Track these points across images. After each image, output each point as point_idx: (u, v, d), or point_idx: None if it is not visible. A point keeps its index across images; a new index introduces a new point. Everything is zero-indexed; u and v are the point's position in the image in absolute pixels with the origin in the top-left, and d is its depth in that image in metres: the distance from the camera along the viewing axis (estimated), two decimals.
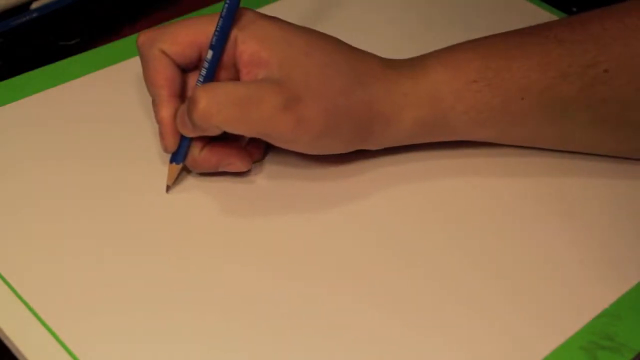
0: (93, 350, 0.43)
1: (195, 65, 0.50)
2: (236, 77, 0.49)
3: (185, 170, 0.52)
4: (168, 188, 0.51)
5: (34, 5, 0.62)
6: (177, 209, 0.50)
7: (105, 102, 0.56)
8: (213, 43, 0.48)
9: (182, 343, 0.44)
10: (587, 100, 0.50)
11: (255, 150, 0.52)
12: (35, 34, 0.62)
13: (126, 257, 0.47)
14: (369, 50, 0.52)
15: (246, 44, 0.48)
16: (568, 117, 0.51)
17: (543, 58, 0.50)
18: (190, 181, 0.52)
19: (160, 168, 0.52)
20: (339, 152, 0.51)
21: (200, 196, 0.51)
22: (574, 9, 0.68)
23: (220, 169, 0.51)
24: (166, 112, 0.49)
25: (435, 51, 0.53)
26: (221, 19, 0.48)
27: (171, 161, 0.50)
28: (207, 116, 0.46)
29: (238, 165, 0.51)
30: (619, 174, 0.55)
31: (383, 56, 0.52)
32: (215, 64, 0.49)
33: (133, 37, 0.62)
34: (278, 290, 0.47)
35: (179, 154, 0.50)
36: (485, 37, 0.53)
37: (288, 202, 0.51)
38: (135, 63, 0.59)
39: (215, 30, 0.48)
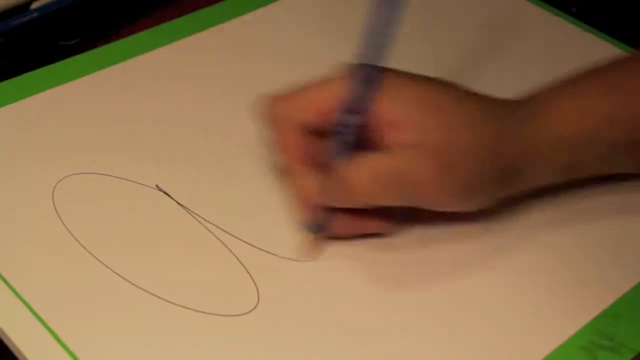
0: (93, 350, 0.43)
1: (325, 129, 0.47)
2: (370, 139, 0.46)
3: None
4: (303, 255, 0.48)
5: (34, 5, 0.62)
6: (174, 208, 0.50)
7: (106, 102, 0.56)
8: (352, 108, 0.45)
9: (183, 344, 0.44)
10: None
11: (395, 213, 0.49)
12: (35, 34, 0.62)
13: (127, 257, 0.47)
14: None
15: (387, 107, 0.45)
16: None
17: None
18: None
19: (159, 167, 0.52)
20: (486, 206, 0.49)
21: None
22: (574, 9, 0.68)
23: (360, 233, 0.49)
24: (308, 186, 0.47)
25: (556, 93, 0.50)
26: (363, 84, 0.45)
27: (310, 231, 0.48)
28: (365, 196, 0.46)
29: (378, 228, 0.49)
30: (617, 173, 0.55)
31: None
32: (356, 132, 0.46)
33: (133, 37, 0.62)
34: (281, 291, 0.47)
35: (320, 225, 0.48)
36: (603, 70, 0.51)
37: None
38: (135, 63, 0.59)
39: (354, 94, 0.45)
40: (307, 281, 0.47)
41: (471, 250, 0.50)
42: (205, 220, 0.50)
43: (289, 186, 0.49)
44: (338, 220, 0.48)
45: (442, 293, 0.48)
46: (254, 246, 0.49)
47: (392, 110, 0.45)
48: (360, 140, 0.46)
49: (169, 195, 0.51)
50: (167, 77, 0.59)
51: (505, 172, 0.48)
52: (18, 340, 0.43)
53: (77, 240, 0.48)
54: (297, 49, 0.62)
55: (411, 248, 0.50)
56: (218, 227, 0.49)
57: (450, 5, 0.68)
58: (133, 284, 0.46)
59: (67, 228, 0.48)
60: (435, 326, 0.46)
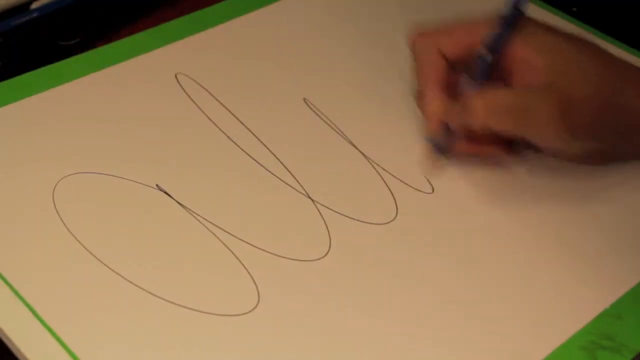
0: (93, 350, 0.43)
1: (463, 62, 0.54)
2: (502, 77, 0.52)
3: None
4: (429, 175, 0.54)
5: (34, 5, 0.62)
6: (174, 208, 0.50)
7: (106, 102, 0.56)
8: (491, 46, 0.52)
9: (183, 344, 0.44)
10: None
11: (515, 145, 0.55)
12: (35, 34, 0.62)
13: (127, 257, 0.47)
14: (366, 48, 0.52)
15: (522, 50, 0.51)
16: None
17: None
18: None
19: (159, 167, 0.52)
20: (604, 164, 0.54)
21: None
22: (574, 9, 0.68)
23: (480, 157, 0.55)
24: (436, 106, 0.54)
25: None
26: (504, 26, 0.51)
27: (435, 152, 0.55)
28: (483, 122, 0.50)
29: (497, 153, 0.54)
30: (616, 173, 0.55)
31: (385, 54, 0.52)
32: (490, 68, 0.52)
33: (133, 37, 0.62)
34: (281, 291, 0.47)
35: (442, 144, 0.54)
36: None
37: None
38: (135, 63, 0.59)
39: (495, 34, 0.52)
40: (307, 281, 0.47)
41: (470, 252, 0.50)
42: (205, 220, 0.50)
43: (420, 108, 0.55)
44: (459, 141, 0.54)
45: (441, 294, 0.48)
46: (254, 246, 0.49)
47: (525, 52, 0.51)
48: (492, 76, 0.52)
49: (169, 195, 0.51)
50: (167, 77, 0.59)
51: (624, 126, 0.52)
52: (18, 340, 0.43)
53: (77, 239, 0.48)
54: (297, 49, 0.62)
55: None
56: (218, 227, 0.49)
57: (452, 5, 0.67)
58: (133, 284, 0.46)
59: (67, 228, 0.48)
60: (435, 327, 0.46)
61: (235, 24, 0.63)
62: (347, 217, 0.51)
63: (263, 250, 0.49)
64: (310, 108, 0.58)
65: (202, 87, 0.58)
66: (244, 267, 0.48)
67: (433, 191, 0.53)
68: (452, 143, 0.54)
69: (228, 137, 0.55)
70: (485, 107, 0.50)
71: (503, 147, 0.54)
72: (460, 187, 0.54)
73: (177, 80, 0.58)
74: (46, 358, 0.43)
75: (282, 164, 0.54)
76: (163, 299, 0.46)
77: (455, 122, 0.53)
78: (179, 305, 0.45)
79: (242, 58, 0.61)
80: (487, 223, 0.52)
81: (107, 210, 0.50)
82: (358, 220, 0.51)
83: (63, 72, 0.58)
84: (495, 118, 0.50)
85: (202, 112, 0.56)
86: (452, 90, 0.54)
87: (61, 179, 0.51)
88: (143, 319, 0.45)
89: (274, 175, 0.53)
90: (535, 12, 0.67)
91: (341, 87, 0.59)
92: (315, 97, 0.58)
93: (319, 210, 0.51)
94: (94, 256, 0.47)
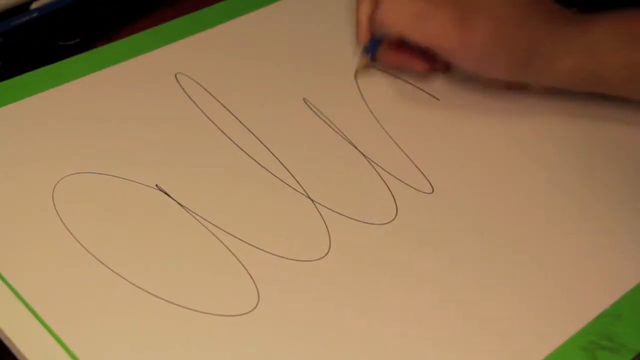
0: (93, 350, 0.43)
1: None
2: None
3: None
4: (356, 74, 0.59)
5: (34, 5, 0.62)
6: (174, 208, 0.50)
7: (106, 102, 0.56)
8: None
9: (183, 344, 0.44)
10: None
11: (435, 60, 0.58)
12: (35, 34, 0.62)
13: (127, 257, 0.47)
14: None
15: None
16: None
17: None
18: None
19: (159, 167, 0.52)
20: (500, 77, 0.56)
21: None
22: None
23: (402, 67, 0.59)
24: (363, 11, 0.58)
25: (605, 11, 0.56)
26: None
27: (362, 53, 0.59)
28: (385, 23, 0.55)
29: (416, 66, 0.58)
30: (621, 172, 0.55)
31: None
32: None
33: (133, 37, 0.62)
34: (280, 291, 0.47)
35: (369, 48, 0.58)
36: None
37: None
38: (135, 63, 0.59)
39: None
40: (307, 281, 0.47)
41: (470, 252, 0.50)
42: (205, 220, 0.50)
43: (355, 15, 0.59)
44: (384, 49, 0.58)
45: (441, 294, 0.48)
46: (254, 246, 0.49)
47: None
48: None
49: (169, 195, 0.51)
50: (167, 77, 0.59)
51: (521, 52, 0.54)
52: (18, 340, 0.43)
53: (77, 240, 0.48)
54: (297, 49, 0.62)
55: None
56: (218, 227, 0.49)
57: None
58: (133, 284, 0.46)
59: (67, 228, 0.48)
60: (435, 328, 0.46)
61: (235, 24, 0.63)
62: (347, 217, 0.51)
63: (263, 250, 0.49)
64: (310, 108, 0.58)
65: (202, 87, 0.58)
66: (244, 267, 0.48)
67: (433, 191, 0.53)
68: (377, 51, 0.58)
69: (228, 137, 0.55)
70: (393, 12, 0.55)
71: (426, 61, 0.58)
72: (460, 187, 0.54)
73: (177, 80, 0.58)
74: (46, 358, 0.43)
75: (282, 164, 0.54)
76: (163, 299, 0.46)
77: (372, 25, 0.57)
78: (179, 306, 0.45)
79: (242, 58, 0.61)
80: (486, 223, 0.52)
81: (107, 210, 0.50)
82: (358, 221, 0.51)
83: (63, 72, 0.58)
84: (400, 23, 0.55)
85: (202, 112, 0.56)
86: None
87: (61, 179, 0.51)
88: (143, 319, 0.45)
89: (274, 175, 0.53)
90: None
91: (341, 87, 0.59)
92: (315, 97, 0.58)
93: (318, 211, 0.51)
94: (94, 256, 0.47)
